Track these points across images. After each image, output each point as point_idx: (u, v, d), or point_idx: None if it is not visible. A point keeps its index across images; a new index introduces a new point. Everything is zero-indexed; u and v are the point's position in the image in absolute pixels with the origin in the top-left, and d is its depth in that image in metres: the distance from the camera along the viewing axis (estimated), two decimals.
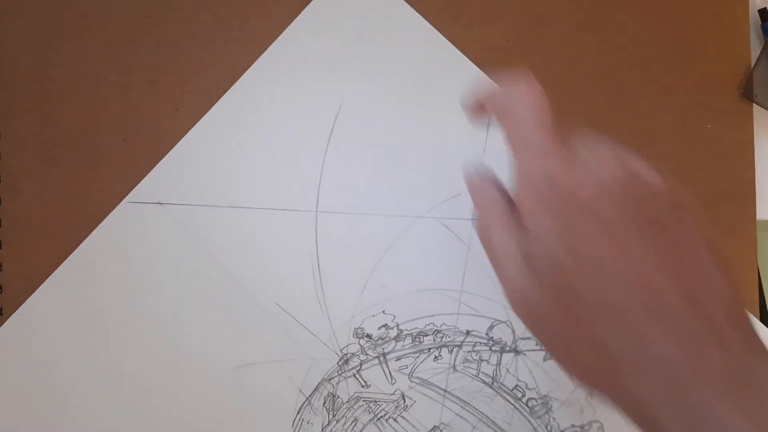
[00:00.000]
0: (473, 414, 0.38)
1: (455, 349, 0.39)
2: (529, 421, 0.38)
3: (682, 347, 0.23)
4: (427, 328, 0.39)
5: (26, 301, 0.37)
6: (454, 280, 0.39)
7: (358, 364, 0.38)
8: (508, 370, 0.39)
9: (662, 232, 0.24)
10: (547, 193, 0.25)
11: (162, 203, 0.38)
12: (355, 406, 0.38)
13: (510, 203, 0.28)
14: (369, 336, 0.38)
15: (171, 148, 0.38)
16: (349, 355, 0.38)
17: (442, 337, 0.39)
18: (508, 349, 0.39)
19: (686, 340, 0.23)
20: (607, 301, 0.24)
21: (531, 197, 0.25)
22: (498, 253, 0.27)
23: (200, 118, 0.39)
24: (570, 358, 0.26)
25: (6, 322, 0.37)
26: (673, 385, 0.23)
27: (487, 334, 0.39)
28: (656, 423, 0.24)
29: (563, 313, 0.25)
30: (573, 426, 0.38)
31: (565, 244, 0.24)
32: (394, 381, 0.39)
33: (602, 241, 0.24)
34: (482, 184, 0.29)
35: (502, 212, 0.27)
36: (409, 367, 0.39)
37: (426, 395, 0.39)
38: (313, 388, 0.38)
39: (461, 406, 0.38)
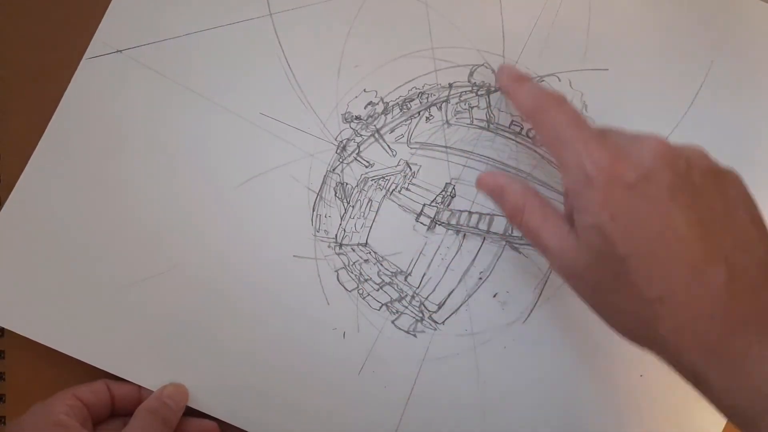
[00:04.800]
0: (479, 161, 0.39)
1: (443, 104, 0.39)
2: (535, 151, 0.39)
3: (715, 297, 0.26)
4: (411, 93, 0.39)
5: (19, 179, 0.38)
6: (422, 40, 0.39)
7: (355, 147, 0.39)
8: (500, 109, 0.39)
9: (697, 196, 0.27)
10: (591, 175, 0.27)
11: (121, 50, 0.38)
12: (366, 188, 0.39)
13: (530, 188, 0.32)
14: (358, 117, 0.39)
15: None
16: (344, 141, 0.39)
17: (427, 98, 0.39)
18: (493, 89, 0.39)
19: (719, 290, 0.26)
20: (648, 258, 0.26)
21: (579, 183, 0.27)
22: (542, 234, 0.30)
23: None
24: (615, 316, 0.29)
25: (4, 206, 0.38)
26: (709, 333, 0.26)
27: (469, 80, 0.39)
28: (695, 371, 0.27)
29: (607, 275, 0.27)
30: None
31: (609, 215, 0.26)
32: (394, 153, 0.39)
33: (642, 209, 0.26)
34: (499, 180, 0.33)
35: (533, 198, 0.31)
36: (405, 135, 0.39)
37: (429, 157, 0.39)
38: (321, 182, 0.39)
39: (466, 157, 0.39)
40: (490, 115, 0.39)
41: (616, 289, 0.27)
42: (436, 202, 0.39)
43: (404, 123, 0.39)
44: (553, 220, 0.30)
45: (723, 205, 0.27)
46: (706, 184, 0.27)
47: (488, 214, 0.38)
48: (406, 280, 0.39)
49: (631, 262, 0.26)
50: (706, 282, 0.26)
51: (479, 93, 0.39)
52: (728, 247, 0.26)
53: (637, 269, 0.26)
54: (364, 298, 0.38)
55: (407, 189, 0.39)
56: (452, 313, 0.39)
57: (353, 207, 0.39)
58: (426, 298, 0.39)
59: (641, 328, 0.28)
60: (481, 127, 0.39)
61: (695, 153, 0.28)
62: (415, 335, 0.38)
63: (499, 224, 0.38)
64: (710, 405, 0.27)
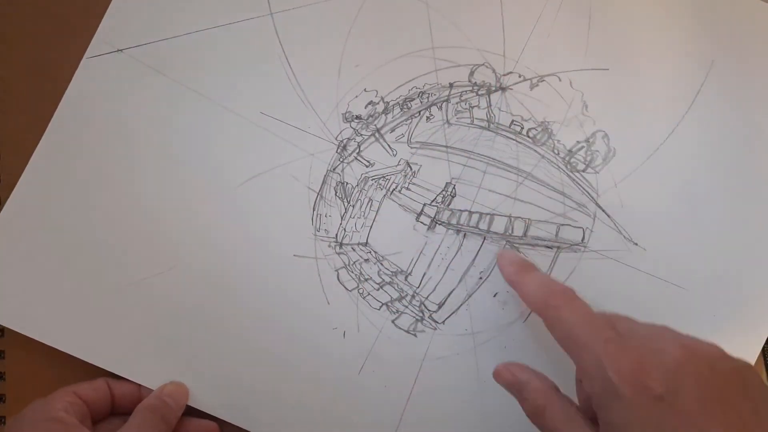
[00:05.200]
0: (480, 160, 0.39)
1: (443, 104, 0.39)
2: (535, 150, 0.39)
3: None
4: (412, 92, 0.39)
5: (19, 179, 0.38)
6: (422, 40, 0.39)
7: (356, 146, 0.39)
8: (500, 109, 0.39)
9: (725, 405, 0.26)
10: (616, 385, 0.26)
11: (121, 50, 0.38)
12: (366, 187, 0.39)
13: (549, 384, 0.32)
14: (358, 117, 0.39)
15: None
16: (345, 141, 0.39)
17: (428, 97, 0.39)
18: (494, 88, 0.39)
19: None
20: None
21: (602, 391, 0.27)
22: None
23: None
24: None
25: (5, 206, 0.38)
26: None
27: (469, 80, 0.39)
28: None
29: None
30: (578, 142, 0.39)
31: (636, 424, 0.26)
32: (395, 152, 0.39)
33: (673, 425, 0.25)
34: (517, 375, 0.32)
35: (555, 399, 0.31)
36: (406, 135, 0.39)
37: (430, 156, 0.39)
38: (321, 182, 0.39)
39: (466, 156, 0.39)
40: (490, 115, 0.39)
41: None
42: (437, 202, 0.39)
43: (405, 122, 0.39)
44: (577, 422, 0.29)
45: (750, 409, 0.26)
46: (730, 389, 0.26)
47: (488, 214, 0.38)
48: (406, 279, 0.39)
49: None
50: None
51: (479, 93, 0.39)
52: None
53: None
54: (364, 298, 0.38)
55: (407, 188, 0.39)
56: (452, 313, 0.39)
57: (353, 206, 0.39)
58: (426, 298, 0.39)
59: None
60: (481, 127, 0.39)
61: (715, 354, 0.27)
62: (415, 335, 0.38)
63: (500, 224, 0.38)
64: None
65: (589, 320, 0.29)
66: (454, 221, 0.38)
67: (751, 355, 0.38)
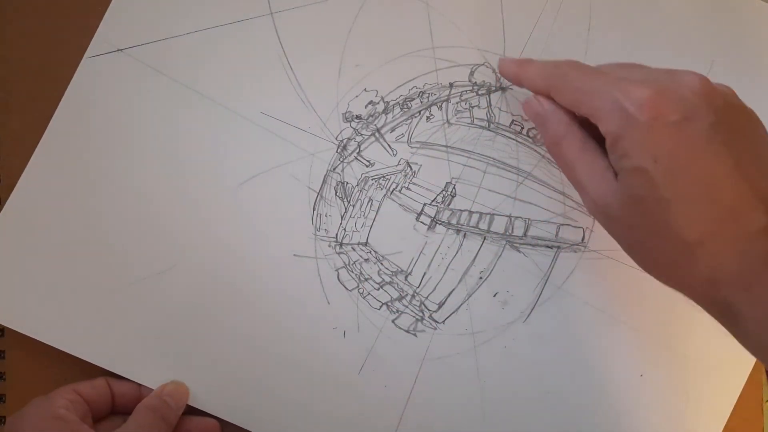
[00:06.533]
0: (480, 160, 0.39)
1: (444, 104, 0.39)
2: (536, 150, 0.39)
3: (754, 237, 0.26)
4: (412, 92, 0.39)
5: (19, 179, 0.38)
6: (422, 40, 0.39)
7: (356, 146, 0.39)
8: (500, 109, 0.39)
9: (735, 136, 0.27)
10: (633, 114, 0.27)
11: (122, 49, 0.38)
12: (366, 187, 0.39)
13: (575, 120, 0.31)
14: (358, 117, 0.39)
15: None
16: (345, 141, 0.39)
17: (428, 97, 0.39)
18: (494, 88, 0.39)
19: (759, 231, 0.26)
20: (690, 201, 0.26)
21: (618, 124, 0.27)
22: (577, 168, 0.30)
23: None
24: (649, 258, 0.29)
25: (5, 206, 0.38)
26: (746, 272, 0.26)
27: (469, 80, 0.39)
28: (729, 308, 0.27)
29: (646, 218, 0.27)
30: None
31: (652, 158, 0.26)
32: (395, 152, 0.39)
33: (685, 151, 0.26)
34: (544, 105, 0.32)
35: (575, 129, 0.31)
36: (406, 135, 0.39)
37: (430, 156, 0.39)
38: (321, 181, 0.39)
39: (467, 156, 0.39)
40: (490, 115, 0.39)
41: (654, 232, 0.27)
42: (437, 202, 0.39)
43: (405, 122, 0.39)
44: (592, 154, 0.30)
45: (756, 145, 0.27)
46: (740, 123, 0.27)
47: (489, 214, 0.38)
48: (406, 279, 0.39)
49: (672, 205, 0.26)
50: (745, 224, 0.26)
51: (480, 92, 0.39)
52: (765, 189, 0.26)
53: (678, 213, 0.26)
54: (364, 298, 0.38)
55: (408, 188, 0.39)
56: (452, 313, 0.39)
57: (354, 206, 0.39)
58: (426, 298, 0.39)
59: (677, 270, 0.28)
60: (481, 127, 0.39)
61: (730, 92, 0.28)
62: (415, 334, 0.38)
63: (500, 224, 0.38)
64: (741, 343, 0.28)
65: (599, 70, 0.29)
66: (454, 221, 0.38)
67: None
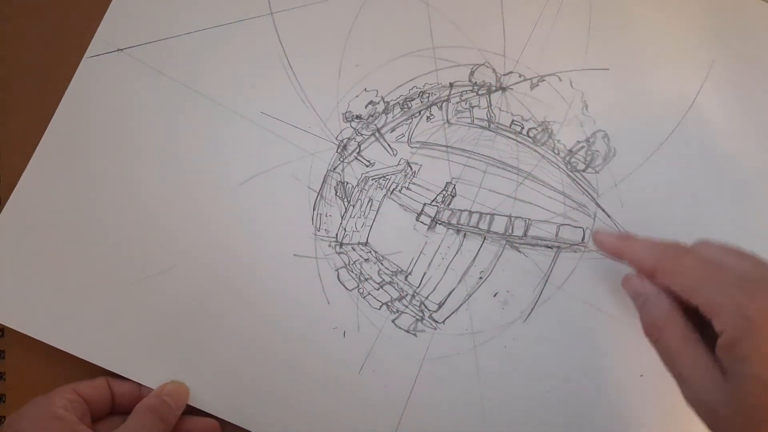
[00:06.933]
0: (480, 160, 0.39)
1: (444, 104, 0.39)
2: (536, 150, 0.39)
3: None
4: (412, 92, 0.39)
5: (20, 179, 0.38)
6: (423, 40, 0.39)
7: (356, 146, 0.39)
8: (500, 109, 0.39)
9: None
10: (756, 321, 0.26)
11: (122, 49, 0.38)
12: (366, 187, 0.39)
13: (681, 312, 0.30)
14: (358, 117, 0.39)
15: None
16: (345, 141, 0.39)
17: (428, 97, 0.39)
18: (494, 88, 0.39)
19: None
20: None
21: (737, 327, 0.27)
22: (679, 360, 0.29)
23: None
24: None
25: (5, 206, 0.38)
26: None
27: (470, 80, 0.39)
28: None
29: (759, 426, 0.26)
30: (578, 142, 0.39)
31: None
32: (395, 152, 0.39)
33: None
34: (646, 287, 0.32)
35: (677, 317, 0.30)
36: (406, 134, 0.39)
37: (430, 156, 0.39)
38: (321, 181, 0.39)
39: (467, 156, 0.39)
40: (490, 115, 0.39)
41: None
42: (437, 202, 0.39)
43: (405, 122, 0.39)
44: (695, 346, 0.29)
45: None
46: None
47: (489, 214, 0.38)
48: (406, 279, 0.39)
49: None
50: None
51: (480, 92, 0.39)
52: None
53: None
54: (364, 298, 0.38)
55: (408, 188, 0.39)
56: (452, 313, 0.39)
57: (354, 206, 0.39)
58: (426, 298, 0.39)
59: None
60: (481, 127, 0.39)
61: None
62: (415, 334, 0.38)
63: (500, 224, 0.38)
64: None
65: (716, 262, 0.29)
66: (454, 221, 0.38)
67: None
